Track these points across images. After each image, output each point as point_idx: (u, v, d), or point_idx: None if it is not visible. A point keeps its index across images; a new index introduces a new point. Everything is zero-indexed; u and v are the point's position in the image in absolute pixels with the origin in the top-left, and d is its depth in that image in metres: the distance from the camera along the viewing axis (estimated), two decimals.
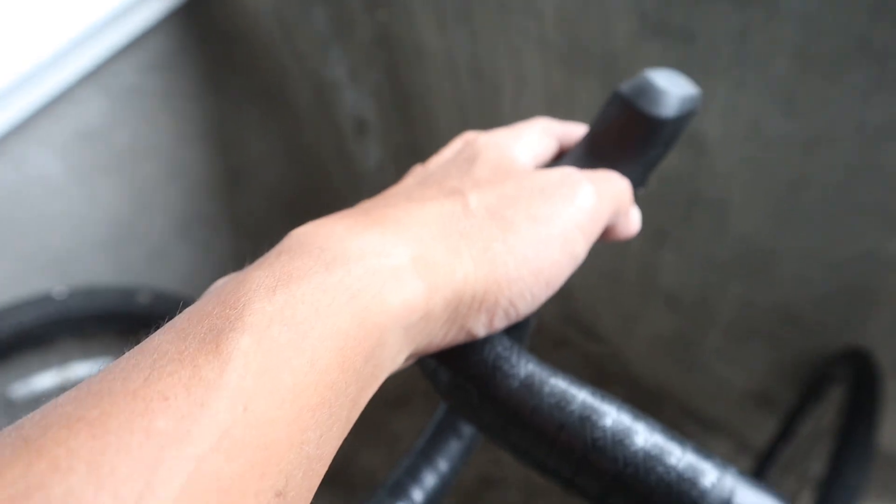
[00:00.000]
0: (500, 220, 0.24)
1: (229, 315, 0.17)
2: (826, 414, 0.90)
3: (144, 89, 1.04)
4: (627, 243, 1.08)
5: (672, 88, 0.28)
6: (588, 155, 0.30)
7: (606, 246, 1.14)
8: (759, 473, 1.06)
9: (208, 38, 1.10)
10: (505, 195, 0.25)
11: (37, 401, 0.93)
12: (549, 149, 0.32)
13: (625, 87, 0.29)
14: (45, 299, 0.93)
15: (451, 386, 0.26)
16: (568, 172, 0.27)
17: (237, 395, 0.16)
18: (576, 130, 0.34)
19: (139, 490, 0.13)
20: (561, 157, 0.33)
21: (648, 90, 0.28)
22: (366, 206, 0.26)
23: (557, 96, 0.92)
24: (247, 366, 0.16)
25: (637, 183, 0.32)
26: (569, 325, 1.49)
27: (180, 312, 0.19)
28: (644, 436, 0.22)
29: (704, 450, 0.22)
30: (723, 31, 0.69)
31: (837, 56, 0.63)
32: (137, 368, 0.16)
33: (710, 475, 0.21)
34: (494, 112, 1.04)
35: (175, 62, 1.07)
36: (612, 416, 0.23)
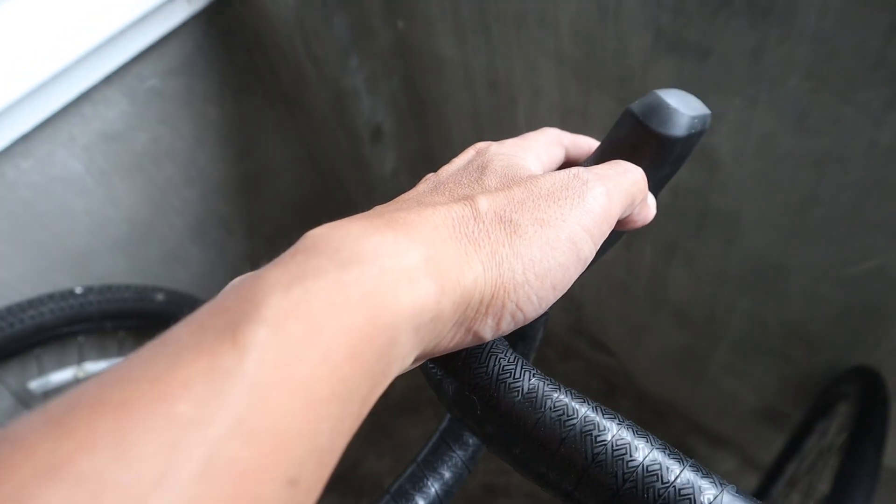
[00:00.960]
0: (508, 224, 0.25)
1: (246, 308, 0.18)
2: (833, 431, 0.90)
3: (165, 92, 1.06)
4: (638, 256, 1.09)
5: (682, 108, 0.29)
6: None
7: (617, 258, 1.14)
8: (764, 488, 1.06)
9: (229, 43, 1.11)
10: (513, 199, 0.26)
11: (56, 393, 0.94)
12: (557, 158, 0.33)
13: (636, 105, 0.29)
14: (66, 295, 0.95)
15: (455, 397, 0.26)
16: (576, 173, 0.27)
17: (254, 383, 0.16)
18: (584, 141, 0.35)
19: (160, 469, 0.14)
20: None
21: (659, 109, 0.29)
22: (379, 209, 0.26)
23: (572, 109, 0.93)
24: (263, 357, 0.17)
25: None
26: (578, 336, 1.50)
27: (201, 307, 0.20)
28: (644, 451, 0.22)
29: (704, 467, 0.22)
30: (737, 48, 0.69)
31: (851, 75, 0.64)
32: (159, 357, 0.17)
33: (708, 492, 0.21)
34: (509, 123, 1.05)
35: (195, 66, 1.09)
36: (613, 431, 0.23)
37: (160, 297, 1.05)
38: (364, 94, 1.17)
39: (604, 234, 0.27)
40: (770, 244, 0.87)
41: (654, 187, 0.32)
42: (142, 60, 1.01)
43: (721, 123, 0.78)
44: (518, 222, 0.25)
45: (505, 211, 0.25)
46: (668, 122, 0.29)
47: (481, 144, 0.32)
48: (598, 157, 0.31)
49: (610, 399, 1.46)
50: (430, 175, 0.31)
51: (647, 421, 1.43)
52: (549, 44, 0.87)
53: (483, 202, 0.25)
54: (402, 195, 0.29)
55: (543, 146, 0.32)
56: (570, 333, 1.51)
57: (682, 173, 0.88)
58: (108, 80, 0.97)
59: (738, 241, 0.91)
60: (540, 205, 0.25)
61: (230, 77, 1.15)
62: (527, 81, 0.95)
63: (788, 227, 0.83)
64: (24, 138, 0.91)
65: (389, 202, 0.28)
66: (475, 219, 0.25)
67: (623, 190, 0.28)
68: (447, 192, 0.27)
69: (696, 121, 0.29)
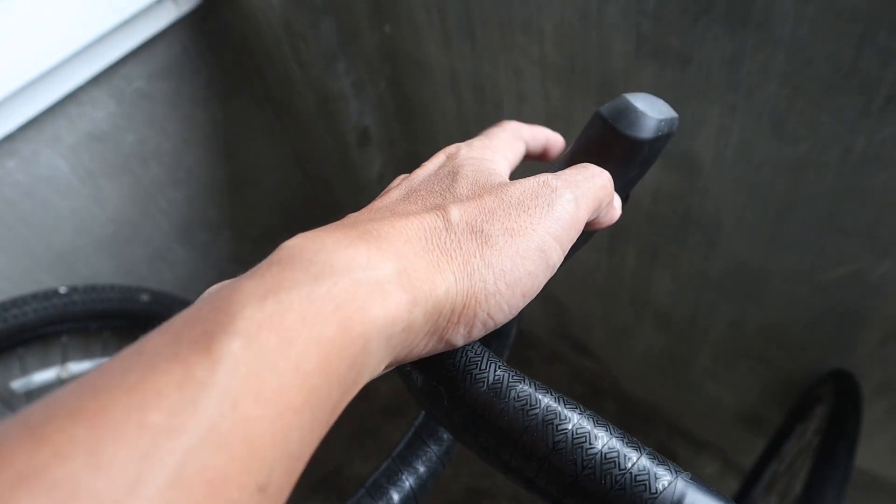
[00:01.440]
0: (479, 234, 0.25)
1: (221, 320, 0.19)
2: (809, 433, 0.91)
3: (152, 94, 1.07)
4: (621, 260, 1.10)
5: (650, 111, 0.30)
6: None
7: (600, 262, 1.15)
8: (744, 492, 1.07)
9: (216, 45, 1.12)
10: (484, 209, 0.26)
11: (39, 392, 0.94)
12: (520, 152, 0.35)
13: (605, 108, 0.30)
14: (50, 294, 0.95)
15: (423, 389, 0.27)
16: (545, 181, 0.28)
17: (226, 393, 0.17)
18: (540, 132, 0.37)
19: (132, 477, 0.15)
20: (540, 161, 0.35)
21: (627, 112, 0.30)
22: (353, 218, 0.27)
23: (555, 114, 0.94)
24: (236, 367, 0.17)
25: None
26: (562, 340, 1.51)
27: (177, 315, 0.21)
28: (603, 440, 0.23)
29: (660, 455, 0.23)
30: (716, 55, 0.71)
31: (825, 83, 0.65)
32: (135, 366, 0.17)
33: (663, 479, 0.22)
34: None
35: (182, 69, 1.09)
36: (574, 420, 0.24)
37: (145, 297, 1.05)
38: (351, 98, 1.18)
39: (572, 239, 0.28)
40: (750, 249, 0.89)
41: (624, 188, 0.33)
42: (129, 62, 1.01)
43: (701, 130, 0.79)
44: (489, 232, 0.25)
45: (476, 221, 0.26)
46: (635, 125, 0.30)
47: (451, 148, 0.32)
48: (569, 159, 0.32)
49: (594, 403, 1.47)
50: (403, 178, 0.31)
51: (630, 425, 1.44)
52: (534, 50, 0.88)
53: (454, 212, 0.26)
54: (375, 202, 0.29)
55: (507, 143, 0.34)
56: (554, 337, 1.52)
57: (664, 178, 0.89)
58: (95, 80, 0.98)
59: (718, 246, 0.92)
60: (510, 214, 0.26)
61: (217, 80, 1.15)
62: (512, 87, 0.96)
63: (767, 233, 0.84)
64: (10, 138, 0.91)
65: (363, 210, 0.28)
66: (447, 229, 0.25)
67: (591, 195, 0.28)
68: (419, 201, 0.28)
69: (663, 124, 0.30)
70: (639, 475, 0.22)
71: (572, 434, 0.23)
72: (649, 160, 0.32)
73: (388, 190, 0.30)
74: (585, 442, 0.23)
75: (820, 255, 0.81)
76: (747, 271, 0.92)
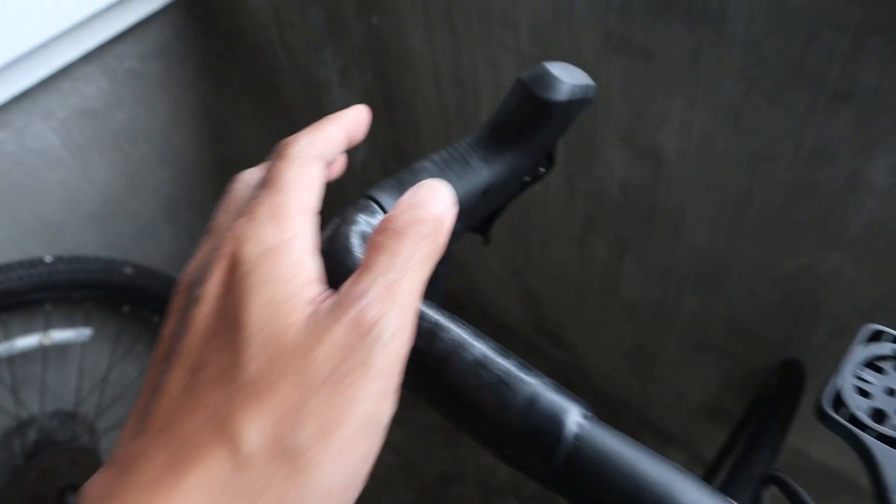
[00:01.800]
0: (288, 457, 0.20)
1: None
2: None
3: (143, 74, 1.10)
4: (591, 252, 1.14)
5: (564, 77, 0.33)
6: (489, 138, 0.35)
7: (572, 255, 1.19)
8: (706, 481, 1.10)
9: (207, 29, 1.15)
10: (285, 411, 0.20)
11: (21, 357, 0.96)
12: (319, 178, 0.28)
13: (524, 73, 0.34)
14: (36, 262, 0.98)
15: None
16: (355, 321, 0.21)
17: None
18: (335, 131, 0.31)
19: None
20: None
21: (543, 77, 0.33)
22: (135, 459, 0.21)
23: None
24: None
25: (537, 162, 0.37)
26: (538, 332, 1.54)
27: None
28: (479, 348, 0.26)
29: (529, 364, 0.26)
30: (677, 50, 0.74)
31: (777, 79, 0.69)
32: None
33: (527, 382, 0.25)
34: (474, 117, 1.10)
35: (174, 50, 1.12)
36: (454, 331, 0.26)
37: (128, 270, 1.08)
38: (337, 86, 1.21)
39: (400, 374, 0.23)
40: (711, 241, 0.92)
41: (544, 147, 0.36)
42: (122, 41, 1.04)
43: (666, 122, 0.83)
44: (300, 448, 0.20)
45: (278, 437, 0.20)
46: (550, 89, 0.33)
47: (230, 244, 0.24)
48: (491, 123, 0.35)
49: None
50: (184, 305, 0.24)
51: (601, 418, 1.47)
52: (510, 42, 0.91)
53: (248, 438, 0.20)
54: (159, 391, 0.22)
55: (301, 182, 0.26)
56: (531, 330, 1.55)
57: (632, 170, 0.92)
58: (88, 57, 1.01)
59: (682, 238, 0.96)
60: (319, 405, 0.20)
61: (208, 63, 1.18)
62: (489, 77, 1.00)
63: (727, 225, 0.88)
64: (2, 109, 0.94)
65: (144, 416, 0.22)
66: (241, 469, 0.20)
67: (420, 279, 0.24)
68: (200, 401, 0.21)
69: (577, 89, 0.34)
70: (503, 376, 0.25)
71: (451, 342, 0.26)
72: (564, 123, 0.35)
73: (170, 353, 0.23)
74: (462, 350, 0.25)
75: (775, 247, 0.85)
76: (709, 263, 0.96)
